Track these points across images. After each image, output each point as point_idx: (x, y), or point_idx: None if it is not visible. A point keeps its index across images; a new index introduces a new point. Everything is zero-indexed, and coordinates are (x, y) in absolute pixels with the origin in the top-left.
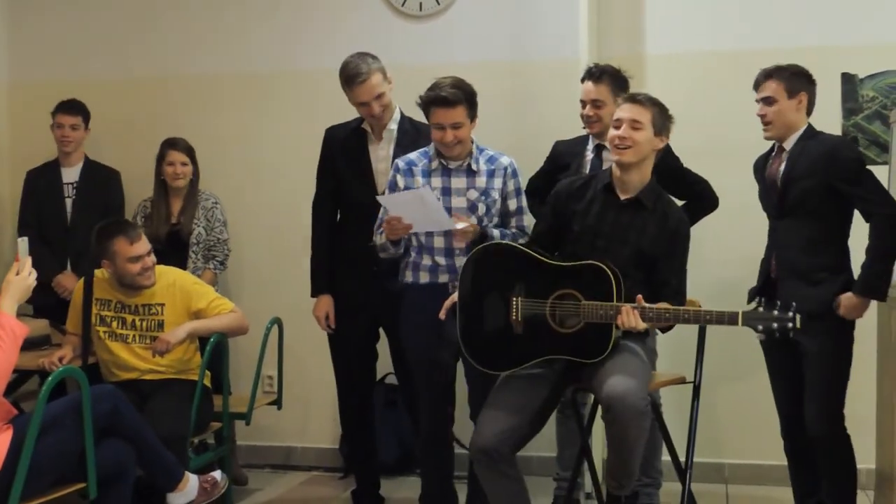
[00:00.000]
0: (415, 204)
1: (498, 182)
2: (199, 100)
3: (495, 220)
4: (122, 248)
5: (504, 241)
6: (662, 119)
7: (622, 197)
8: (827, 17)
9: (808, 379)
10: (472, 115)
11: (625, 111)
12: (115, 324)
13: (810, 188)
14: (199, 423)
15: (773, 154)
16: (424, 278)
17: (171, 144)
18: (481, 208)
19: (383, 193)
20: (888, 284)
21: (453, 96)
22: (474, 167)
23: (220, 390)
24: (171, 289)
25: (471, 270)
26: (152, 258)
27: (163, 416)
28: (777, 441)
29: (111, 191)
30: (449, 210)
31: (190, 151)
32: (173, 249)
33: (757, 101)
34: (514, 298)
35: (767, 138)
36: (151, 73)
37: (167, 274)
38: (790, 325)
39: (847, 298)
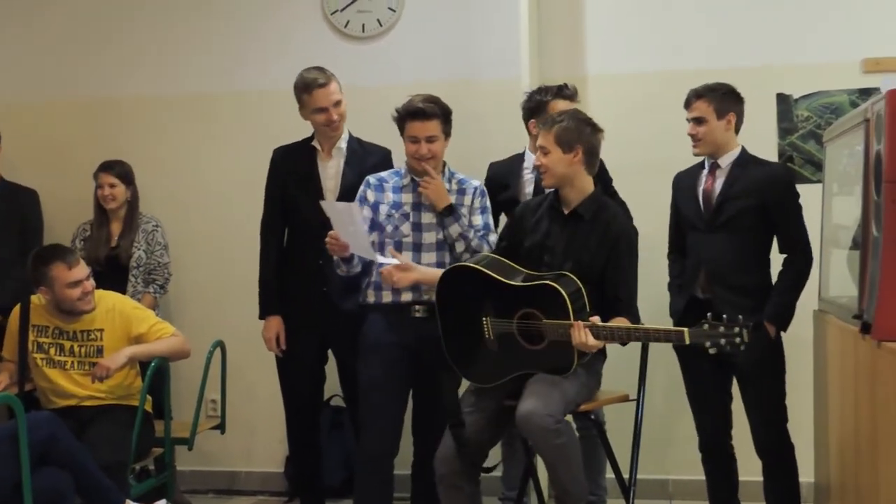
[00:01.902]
0: (347, 218)
1: (467, 200)
2: (141, 122)
3: None
4: (61, 273)
5: (465, 264)
6: (568, 134)
7: (565, 211)
8: (762, 38)
9: (748, 395)
10: (447, 131)
11: (539, 139)
12: (52, 350)
13: (747, 207)
14: (140, 450)
15: (706, 171)
16: (387, 297)
17: (102, 167)
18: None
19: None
20: (791, 317)
21: (430, 109)
22: (446, 185)
23: (162, 415)
24: (111, 314)
25: (444, 293)
26: (91, 283)
27: (102, 442)
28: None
29: (28, 210)
30: (419, 226)
31: (124, 174)
32: (112, 272)
33: (687, 119)
34: (485, 318)
35: (696, 154)
36: (91, 94)
37: (106, 299)
38: (738, 339)
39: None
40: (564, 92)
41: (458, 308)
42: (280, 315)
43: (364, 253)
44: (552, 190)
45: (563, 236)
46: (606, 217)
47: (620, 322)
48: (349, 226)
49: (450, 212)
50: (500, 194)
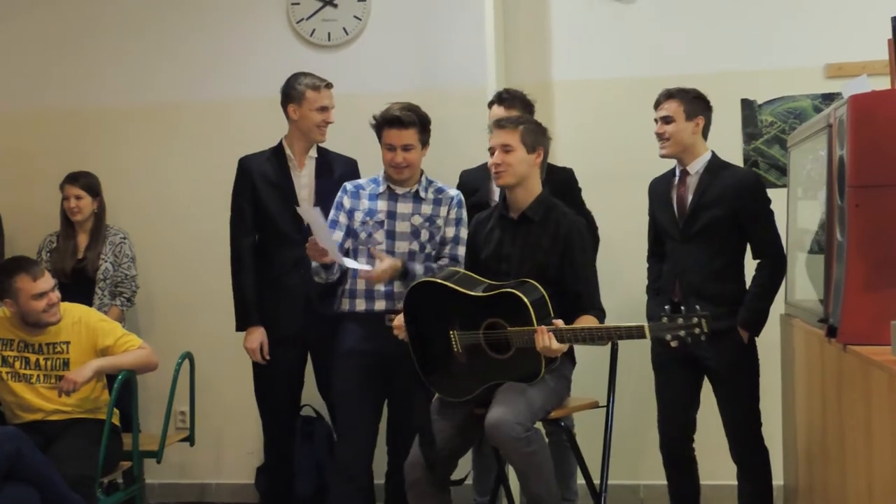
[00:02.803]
0: (320, 222)
1: (443, 210)
2: (107, 132)
3: (438, 247)
4: (26, 284)
5: (427, 277)
6: (533, 136)
7: (514, 216)
8: (727, 44)
9: (723, 399)
10: (424, 140)
11: (495, 138)
12: (17, 364)
13: (720, 216)
14: (107, 463)
15: (678, 178)
16: (360, 306)
17: (68, 178)
18: (424, 234)
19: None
20: (765, 322)
21: (407, 118)
22: (422, 195)
23: (130, 428)
24: (77, 326)
25: (410, 309)
26: (57, 294)
27: (69, 457)
28: (707, 460)
29: None
30: (393, 234)
31: (90, 186)
32: (79, 285)
33: (655, 119)
34: (452, 332)
35: (663, 156)
36: (56, 105)
37: (72, 311)
38: (698, 330)
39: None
40: (502, 95)
41: (425, 324)
42: (261, 324)
43: (333, 255)
44: (500, 201)
45: (516, 242)
46: (556, 216)
47: (588, 320)
48: (319, 228)
49: (404, 275)
50: (470, 198)
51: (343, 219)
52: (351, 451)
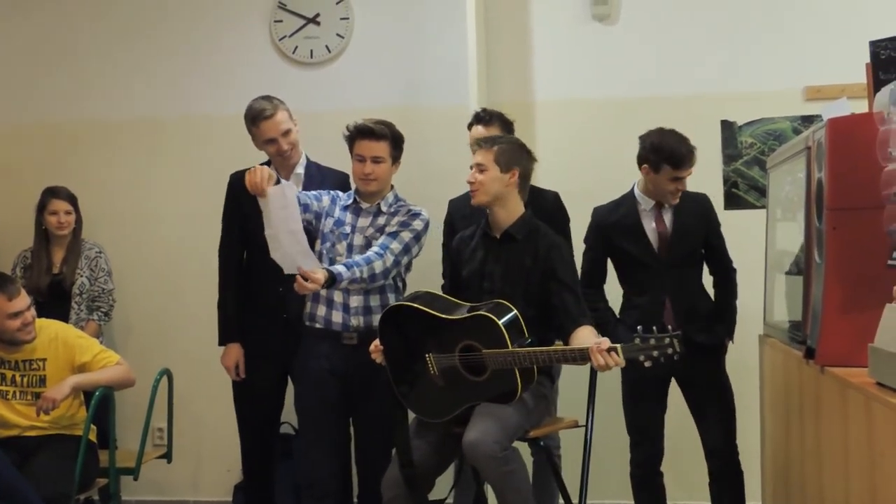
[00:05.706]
0: (279, 200)
1: (397, 219)
2: (87, 147)
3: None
4: (1, 304)
5: (402, 303)
6: (507, 155)
7: (496, 235)
8: (707, 66)
9: (707, 415)
10: (395, 156)
11: (474, 158)
12: None
13: (697, 240)
14: (84, 480)
15: (645, 208)
16: (321, 311)
17: (52, 193)
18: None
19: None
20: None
21: (379, 130)
22: (383, 209)
23: (107, 445)
24: (54, 343)
25: (386, 333)
26: (32, 312)
27: (45, 474)
28: (672, 481)
29: None
30: (352, 248)
31: (72, 199)
32: (55, 300)
33: (680, 177)
34: (428, 355)
35: (674, 203)
36: (37, 120)
37: (49, 327)
38: (670, 350)
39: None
40: (480, 115)
41: (401, 347)
42: (239, 342)
43: (290, 238)
44: (483, 220)
45: (499, 261)
46: (537, 237)
47: (586, 332)
48: (280, 209)
49: (332, 282)
50: (461, 224)
51: (323, 203)
52: (317, 470)
